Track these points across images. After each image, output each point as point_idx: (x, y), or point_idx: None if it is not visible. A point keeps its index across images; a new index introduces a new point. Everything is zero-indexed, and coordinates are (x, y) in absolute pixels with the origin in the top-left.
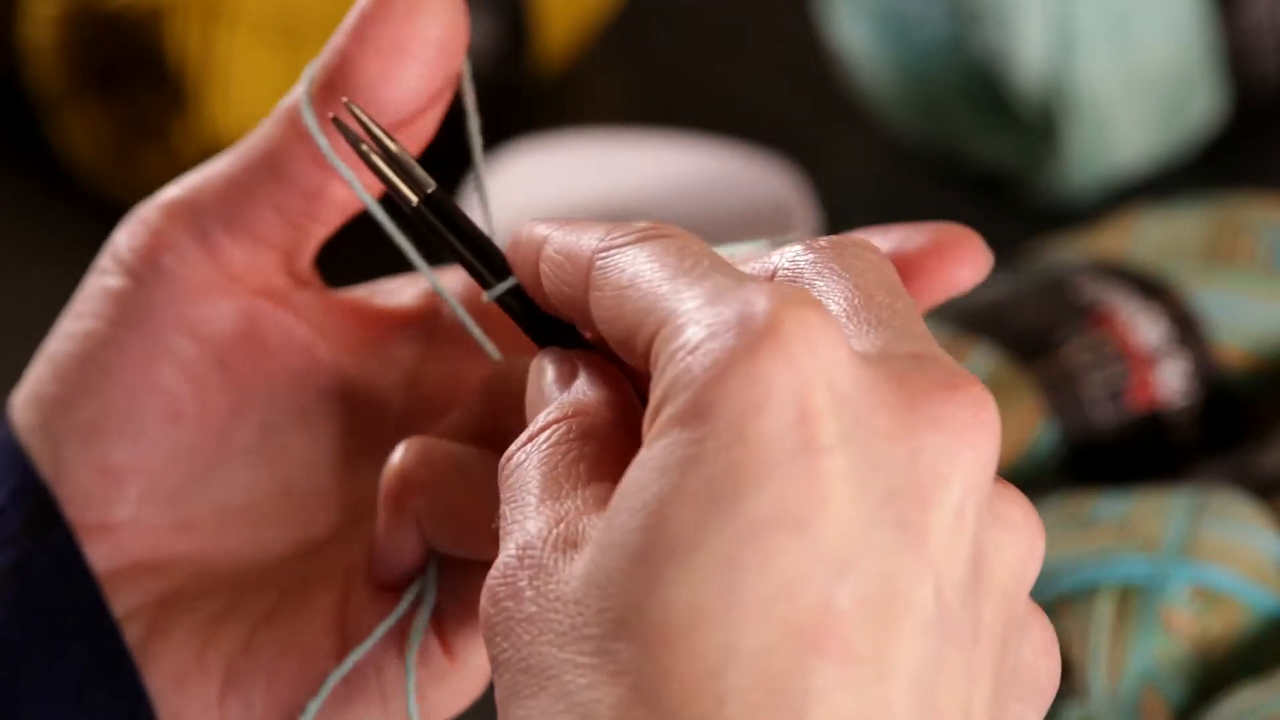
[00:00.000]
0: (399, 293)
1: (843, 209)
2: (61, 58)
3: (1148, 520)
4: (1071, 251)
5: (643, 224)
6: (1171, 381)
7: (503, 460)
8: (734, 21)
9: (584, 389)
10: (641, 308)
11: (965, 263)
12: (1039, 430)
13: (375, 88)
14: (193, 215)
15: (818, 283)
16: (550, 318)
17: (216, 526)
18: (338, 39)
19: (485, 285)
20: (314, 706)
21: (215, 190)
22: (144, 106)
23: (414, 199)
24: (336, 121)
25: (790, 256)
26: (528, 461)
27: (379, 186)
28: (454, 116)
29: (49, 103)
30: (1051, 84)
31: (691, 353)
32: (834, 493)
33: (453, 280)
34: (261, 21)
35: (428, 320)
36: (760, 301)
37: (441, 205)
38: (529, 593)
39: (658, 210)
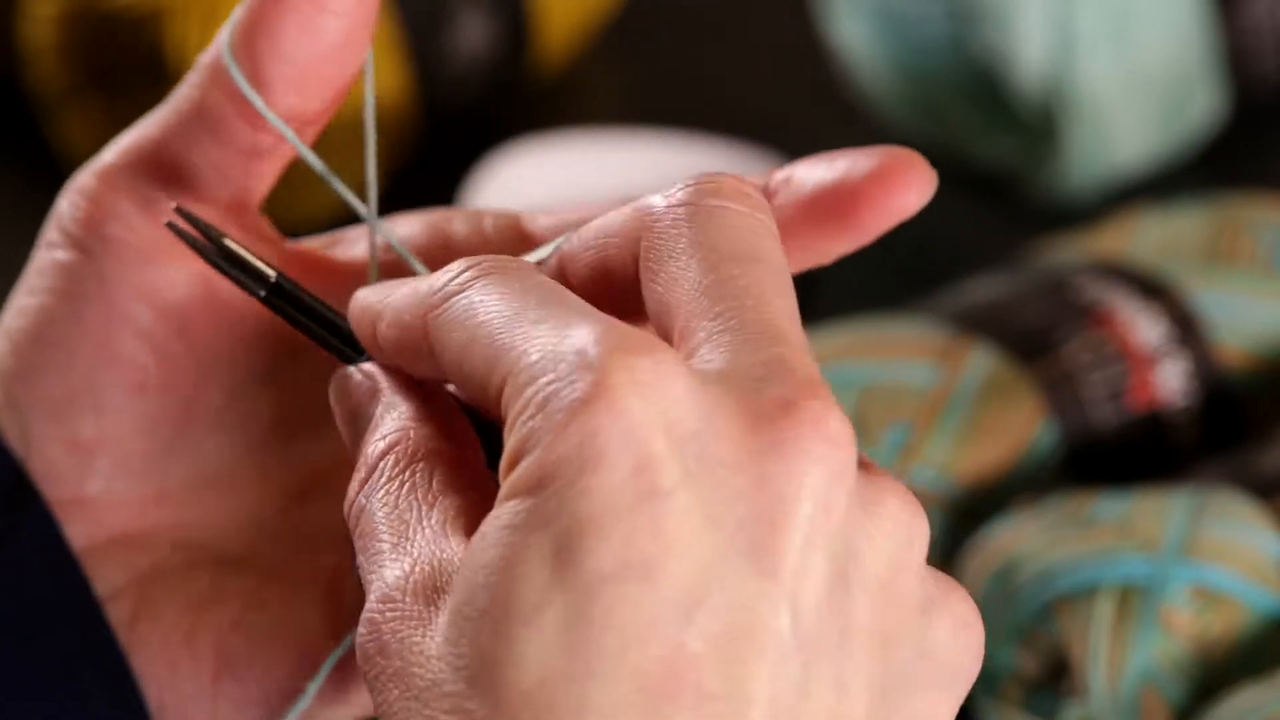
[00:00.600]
0: (359, 243)
1: None
2: (61, 58)
3: (1148, 520)
4: (1071, 251)
5: (467, 268)
6: (1171, 381)
7: (345, 507)
8: (734, 21)
9: (407, 410)
10: (482, 365)
11: (910, 188)
12: (1039, 430)
13: (295, 41)
14: (132, 181)
15: (670, 265)
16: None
17: (192, 494)
18: None
19: (346, 361)
20: (312, 688)
21: (152, 153)
22: (144, 106)
23: (261, 291)
24: (171, 226)
25: (655, 218)
26: (369, 504)
27: (313, 136)
28: (452, 117)
29: (49, 103)
30: (1051, 84)
31: (532, 416)
32: (678, 535)
33: (408, 228)
34: None
35: (389, 270)
36: (590, 351)
37: (286, 292)
38: (394, 646)
39: None
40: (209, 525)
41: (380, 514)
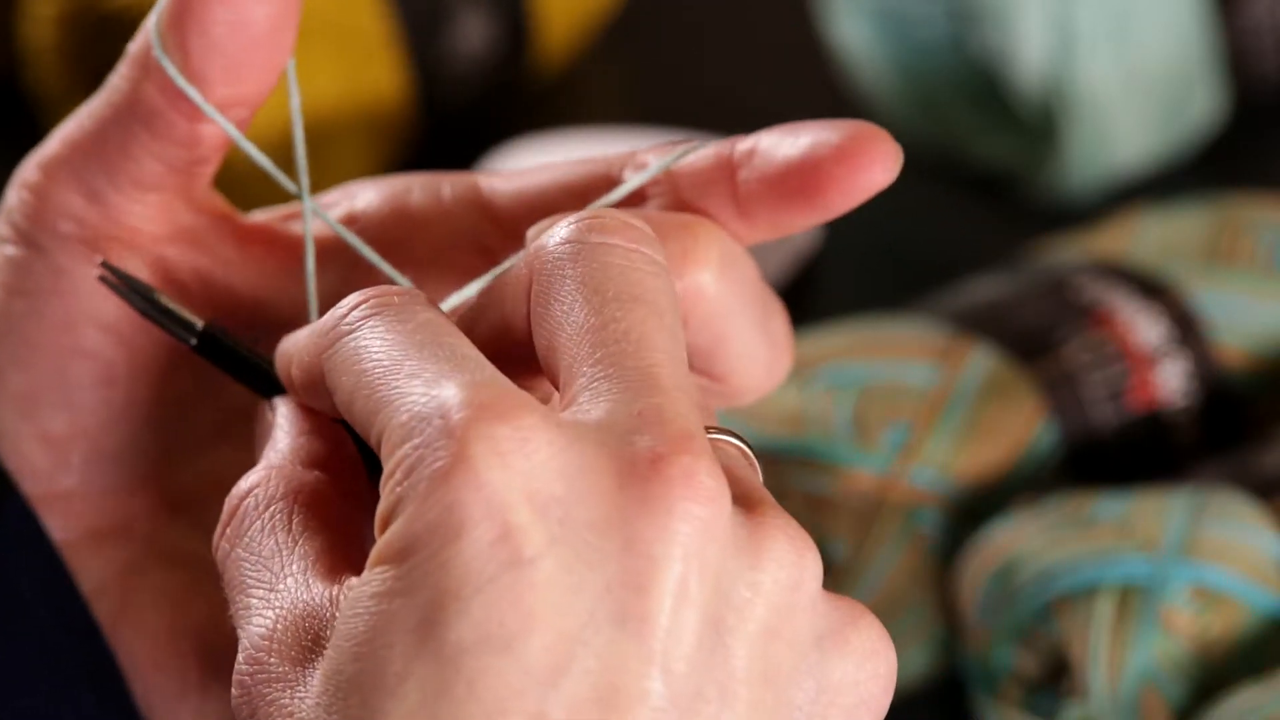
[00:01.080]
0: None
1: None
2: (61, 58)
3: (1148, 520)
4: (1071, 251)
5: (356, 305)
6: (1171, 381)
7: (213, 551)
8: (734, 21)
9: (285, 447)
10: (363, 416)
11: (875, 165)
12: (1039, 430)
13: (225, 31)
14: (76, 175)
15: (554, 307)
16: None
17: (165, 484)
18: None
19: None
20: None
21: (93, 146)
22: None
23: (191, 340)
24: (103, 279)
25: (542, 260)
26: (232, 551)
27: (249, 120)
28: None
29: (49, 103)
30: (1051, 84)
31: (399, 482)
32: (540, 604)
33: (365, 198)
34: None
35: (341, 245)
36: (453, 417)
37: (216, 341)
38: (264, 710)
39: None
40: (184, 516)
41: (245, 562)
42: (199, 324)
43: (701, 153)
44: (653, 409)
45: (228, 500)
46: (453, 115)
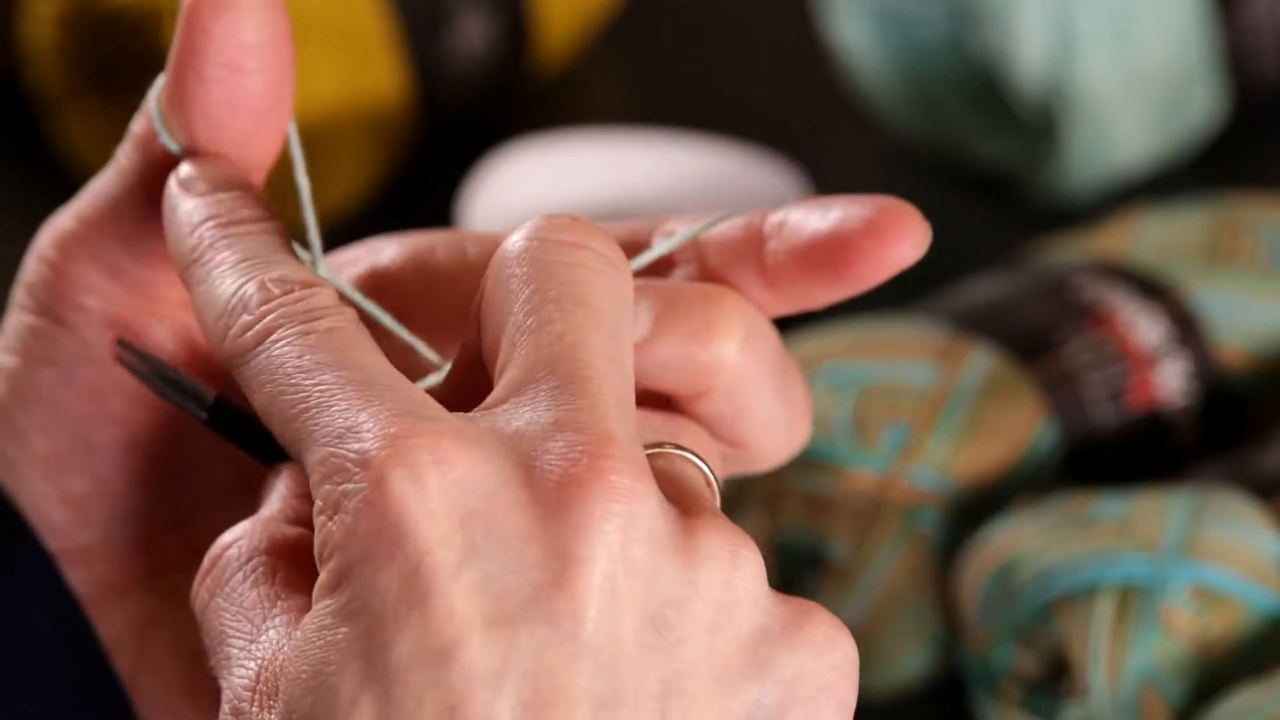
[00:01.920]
0: (343, 269)
1: None
2: (61, 58)
3: (1148, 520)
4: (1071, 251)
5: (261, 318)
6: (1171, 381)
7: (191, 598)
8: (734, 21)
9: (275, 501)
10: (283, 439)
11: (904, 241)
12: (1039, 430)
13: (223, 107)
14: (94, 252)
15: (498, 307)
16: None
17: (184, 535)
18: (171, 67)
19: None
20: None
21: (107, 223)
22: None
23: (202, 414)
24: (119, 357)
25: (497, 258)
26: (212, 601)
27: (262, 181)
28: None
29: (49, 103)
30: (1051, 84)
31: (328, 519)
32: (467, 615)
33: (389, 254)
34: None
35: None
36: (370, 449)
37: (225, 413)
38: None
39: (657, 210)
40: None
41: (225, 612)
42: (209, 397)
43: (731, 223)
44: (569, 416)
45: (210, 550)
46: (453, 115)
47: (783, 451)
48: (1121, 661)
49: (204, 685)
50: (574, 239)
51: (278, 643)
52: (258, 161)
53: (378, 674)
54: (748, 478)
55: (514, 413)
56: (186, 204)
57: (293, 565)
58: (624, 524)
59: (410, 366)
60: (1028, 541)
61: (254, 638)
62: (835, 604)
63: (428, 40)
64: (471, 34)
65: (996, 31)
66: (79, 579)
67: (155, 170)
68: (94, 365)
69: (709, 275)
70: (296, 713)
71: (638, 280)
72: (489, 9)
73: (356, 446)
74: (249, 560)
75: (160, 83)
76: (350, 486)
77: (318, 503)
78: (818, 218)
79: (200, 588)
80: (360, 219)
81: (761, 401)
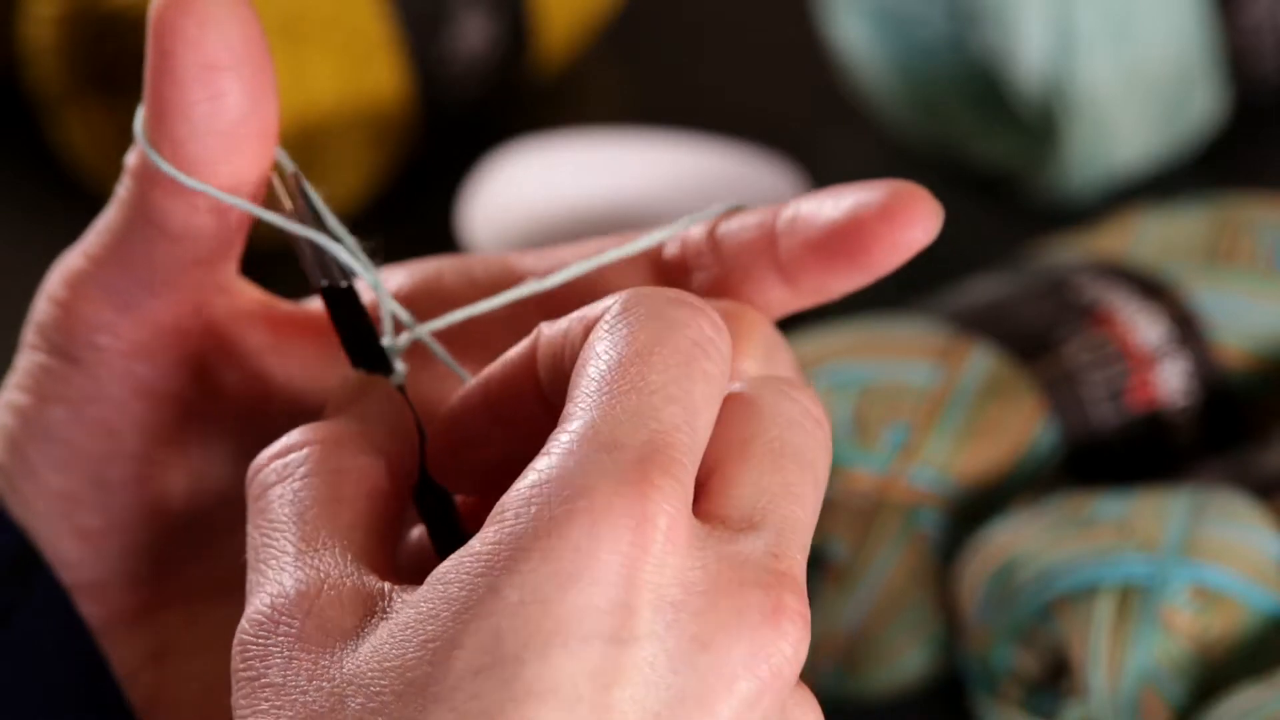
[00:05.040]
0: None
1: None
2: (61, 58)
3: (1148, 520)
4: (1071, 251)
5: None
6: (1171, 381)
7: (252, 470)
8: (733, 21)
9: (362, 416)
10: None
11: (918, 223)
12: (1039, 430)
13: (208, 112)
14: (104, 289)
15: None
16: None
17: (199, 567)
18: (148, 84)
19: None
20: None
21: (115, 259)
22: None
23: (341, 281)
24: (299, 191)
25: (598, 340)
26: (281, 489)
27: (262, 191)
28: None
29: (49, 103)
30: (1051, 84)
31: (534, 496)
32: (621, 684)
33: (395, 281)
34: (261, 22)
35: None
36: (626, 471)
37: (350, 300)
38: (278, 660)
39: (657, 210)
40: (215, 599)
41: (290, 507)
42: (344, 284)
43: (744, 222)
44: (786, 549)
45: (291, 433)
46: (453, 115)
47: None
48: (1121, 661)
49: (220, 716)
50: (688, 314)
51: (340, 577)
52: (251, 166)
53: (501, 683)
54: None
55: (738, 531)
56: None
57: (360, 500)
58: (785, 668)
59: (446, 388)
60: (1028, 541)
61: (313, 549)
62: (835, 604)
63: (428, 40)
64: (472, 34)
65: (996, 31)
66: (92, 611)
67: (155, 198)
68: (107, 403)
69: (727, 275)
70: (403, 652)
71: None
72: (489, 9)
73: (616, 462)
74: (319, 473)
75: (142, 111)
76: (585, 488)
77: (532, 473)
78: (830, 207)
79: (267, 467)
80: (360, 219)
81: (779, 403)
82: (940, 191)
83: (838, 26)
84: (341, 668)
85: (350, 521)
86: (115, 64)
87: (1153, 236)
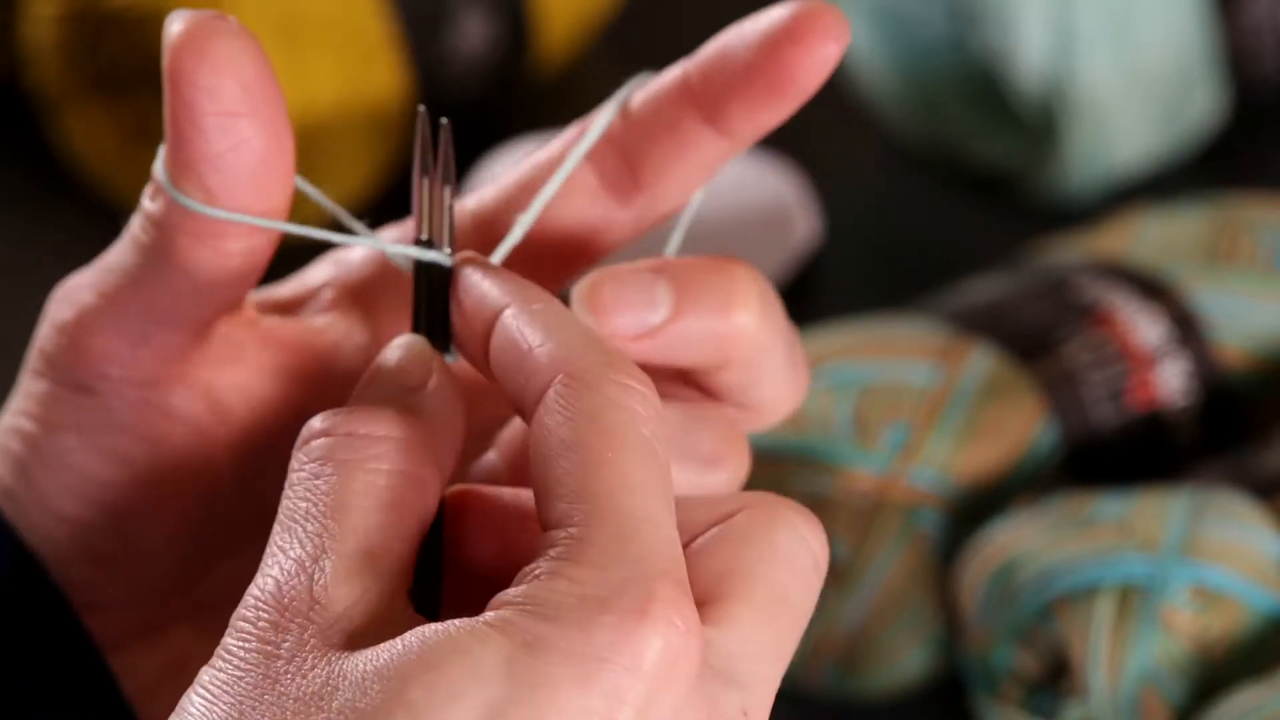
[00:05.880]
0: (331, 329)
1: (843, 209)
2: (62, 58)
3: (1148, 520)
4: (1071, 251)
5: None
6: (1171, 381)
7: (316, 431)
8: (733, 22)
9: (430, 415)
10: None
11: (828, 41)
12: (1039, 430)
13: (228, 149)
14: (118, 325)
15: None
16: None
17: (211, 575)
18: (170, 132)
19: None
20: None
21: (132, 295)
22: (145, 107)
23: (448, 264)
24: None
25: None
26: (348, 471)
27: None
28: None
29: (49, 103)
30: (1051, 84)
31: (598, 598)
32: None
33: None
34: (261, 21)
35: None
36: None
37: (441, 278)
38: (285, 643)
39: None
40: (222, 613)
41: (360, 499)
42: (448, 262)
43: (660, 90)
44: (758, 712)
45: (370, 417)
46: (453, 115)
47: (789, 409)
48: (1121, 661)
49: None
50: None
51: (382, 592)
52: (273, 202)
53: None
54: (748, 478)
55: (736, 654)
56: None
57: (416, 505)
58: None
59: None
60: (1028, 541)
61: (370, 551)
62: (835, 604)
63: (428, 40)
64: (472, 34)
65: (996, 31)
66: (103, 630)
67: (182, 244)
68: (120, 432)
69: (658, 141)
70: (401, 685)
71: (652, 262)
72: (489, 9)
73: (657, 582)
74: (390, 471)
75: (162, 152)
76: (638, 600)
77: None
78: (741, 46)
79: (343, 436)
80: (360, 219)
81: (774, 366)
82: (940, 191)
83: None
84: (343, 668)
85: (400, 534)
86: (115, 64)
87: (1153, 236)
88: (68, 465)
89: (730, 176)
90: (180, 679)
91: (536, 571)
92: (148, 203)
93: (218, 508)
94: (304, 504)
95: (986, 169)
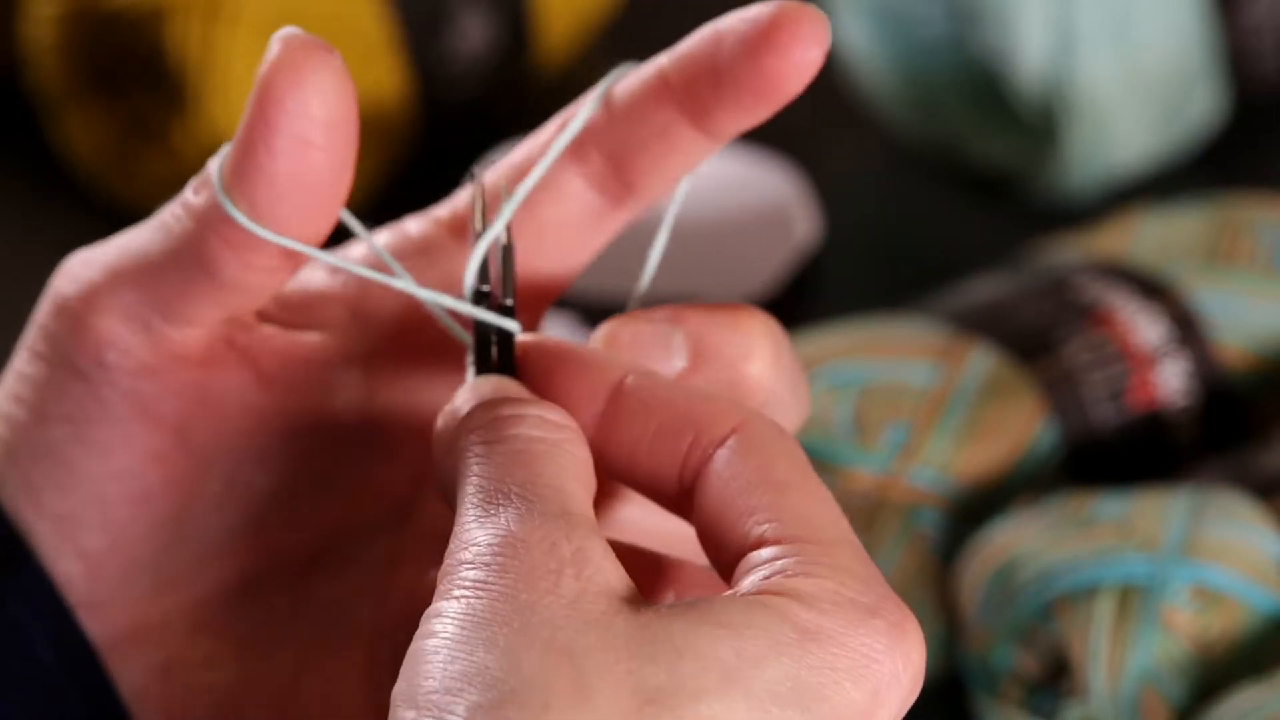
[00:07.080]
0: (327, 347)
1: (843, 209)
2: (61, 58)
3: (1148, 520)
4: (1071, 251)
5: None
6: (1172, 381)
7: (490, 406)
8: None
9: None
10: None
11: (810, 44)
12: (1039, 430)
13: (290, 178)
14: (124, 307)
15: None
16: None
17: (199, 576)
18: (240, 140)
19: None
20: None
21: (145, 283)
22: (144, 107)
23: (514, 331)
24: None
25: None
26: (554, 443)
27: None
28: (452, 117)
29: (49, 103)
30: (1051, 84)
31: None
32: None
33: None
34: (261, 21)
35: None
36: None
37: (499, 341)
38: (498, 586)
39: (656, 209)
40: (218, 600)
41: (559, 467)
42: (515, 330)
43: (641, 88)
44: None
45: (550, 410)
46: (453, 115)
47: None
48: (1121, 661)
49: None
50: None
51: (581, 572)
52: (315, 231)
53: None
54: None
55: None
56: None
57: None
58: None
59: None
60: (1028, 541)
61: (567, 516)
62: None
63: (428, 40)
64: (472, 33)
65: (996, 31)
66: (97, 630)
67: (213, 244)
68: (109, 424)
69: (637, 138)
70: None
71: (668, 311)
72: (489, 8)
73: (890, 606)
74: (579, 452)
75: (223, 152)
76: (891, 625)
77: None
78: (722, 52)
79: (553, 414)
80: (360, 218)
81: (785, 406)
82: (940, 191)
83: (838, 27)
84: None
85: (590, 513)
86: (115, 64)
87: (1153, 236)
88: (56, 456)
89: (730, 176)
90: (169, 680)
91: (779, 570)
92: (190, 195)
93: (203, 507)
94: (519, 471)
95: (986, 169)
